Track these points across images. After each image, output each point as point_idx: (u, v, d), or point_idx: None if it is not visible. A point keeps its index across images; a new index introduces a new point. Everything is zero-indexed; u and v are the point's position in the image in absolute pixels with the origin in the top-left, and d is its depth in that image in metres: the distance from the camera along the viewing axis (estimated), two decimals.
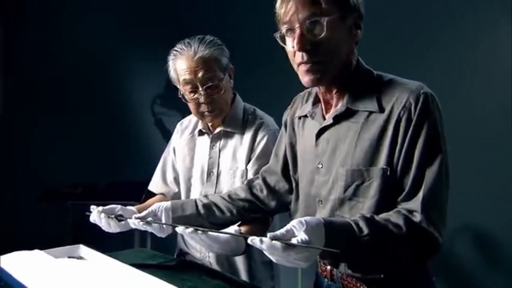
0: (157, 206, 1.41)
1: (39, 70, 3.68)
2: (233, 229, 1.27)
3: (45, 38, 3.66)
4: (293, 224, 0.95)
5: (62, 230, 3.13)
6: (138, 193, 2.55)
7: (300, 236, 0.92)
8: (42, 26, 3.70)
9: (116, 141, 3.59)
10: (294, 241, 0.91)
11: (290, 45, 1.15)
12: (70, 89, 3.62)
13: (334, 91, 1.20)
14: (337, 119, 1.19)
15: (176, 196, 1.79)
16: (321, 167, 1.22)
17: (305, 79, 1.16)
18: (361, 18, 1.17)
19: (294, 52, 1.14)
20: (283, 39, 1.17)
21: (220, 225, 1.42)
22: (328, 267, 1.23)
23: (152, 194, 1.86)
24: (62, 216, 3.17)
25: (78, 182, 3.26)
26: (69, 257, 1.44)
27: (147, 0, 3.58)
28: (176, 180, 1.80)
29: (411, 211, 1.07)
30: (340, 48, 1.14)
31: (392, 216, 1.07)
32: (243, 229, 1.37)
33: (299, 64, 1.15)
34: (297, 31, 1.11)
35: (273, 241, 0.91)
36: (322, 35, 1.10)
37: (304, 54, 1.12)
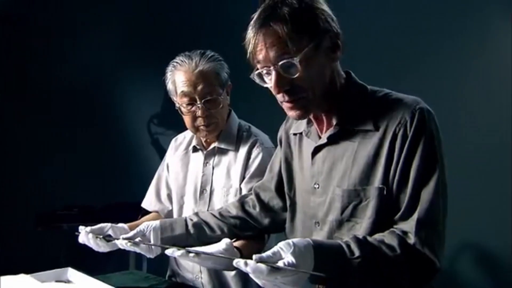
0: (146, 225, 1.37)
1: (34, 92, 3.66)
2: (224, 242, 1.23)
3: (39, 61, 3.65)
4: (281, 245, 0.91)
5: (58, 252, 3.07)
6: (135, 215, 2.52)
7: (287, 258, 0.88)
8: (35, 49, 3.70)
9: (112, 162, 3.56)
10: (280, 263, 0.87)
11: (269, 83, 1.10)
12: (65, 111, 3.60)
13: (324, 113, 1.17)
14: (332, 139, 1.15)
15: (170, 214, 1.75)
16: (318, 188, 1.19)
17: (290, 114, 1.13)
18: (337, 37, 1.10)
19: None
20: (260, 76, 1.12)
21: (211, 244, 1.38)
22: None
23: (148, 212, 1.83)
24: (58, 239, 3.12)
25: (74, 203, 3.22)
26: (56, 281, 1.41)
27: (144, 21, 3.59)
28: (170, 197, 1.77)
29: (405, 232, 1.03)
30: (320, 78, 1.10)
31: (386, 237, 1.03)
32: (237, 243, 1.34)
33: (281, 102, 1.12)
34: (273, 72, 1.07)
35: (259, 264, 0.86)
36: (297, 75, 1.06)
37: (284, 94, 1.09)
